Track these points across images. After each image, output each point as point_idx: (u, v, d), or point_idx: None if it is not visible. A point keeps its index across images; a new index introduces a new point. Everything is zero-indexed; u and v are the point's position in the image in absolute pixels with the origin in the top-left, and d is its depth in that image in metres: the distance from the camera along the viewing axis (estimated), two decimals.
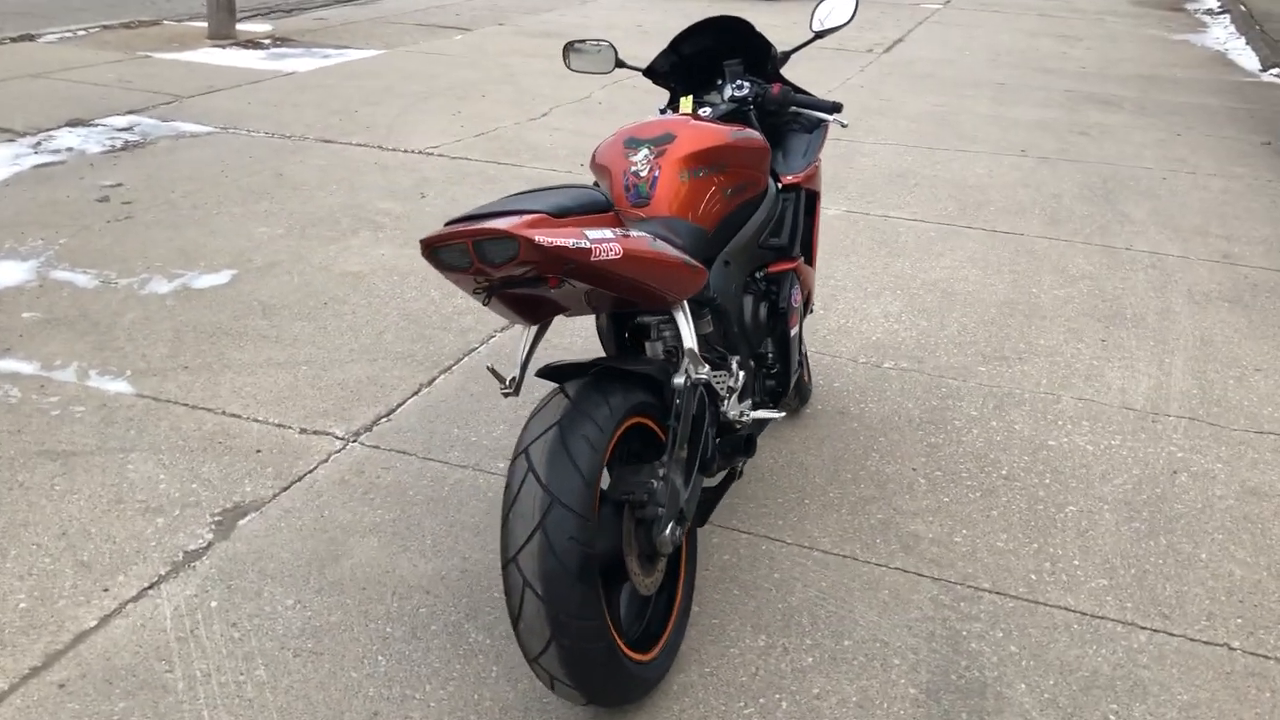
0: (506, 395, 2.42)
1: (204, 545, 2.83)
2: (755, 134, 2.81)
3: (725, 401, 2.61)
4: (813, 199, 3.16)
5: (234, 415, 3.46)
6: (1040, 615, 2.70)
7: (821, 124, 3.26)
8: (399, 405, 3.57)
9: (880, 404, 3.70)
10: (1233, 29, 11.99)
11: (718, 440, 2.58)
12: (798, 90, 3.14)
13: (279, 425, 3.42)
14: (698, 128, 2.67)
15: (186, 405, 3.51)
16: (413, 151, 6.42)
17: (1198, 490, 3.25)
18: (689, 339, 2.33)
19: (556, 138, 6.85)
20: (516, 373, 2.40)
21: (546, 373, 2.30)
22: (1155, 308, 4.57)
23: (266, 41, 9.53)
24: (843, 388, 3.80)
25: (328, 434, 3.38)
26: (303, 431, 3.39)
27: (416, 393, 3.65)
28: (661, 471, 2.27)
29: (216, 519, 2.95)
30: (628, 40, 9.77)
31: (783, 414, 2.90)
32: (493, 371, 2.43)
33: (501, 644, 2.52)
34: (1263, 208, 5.98)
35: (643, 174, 2.56)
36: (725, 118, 2.97)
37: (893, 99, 8.14)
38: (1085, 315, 4.47)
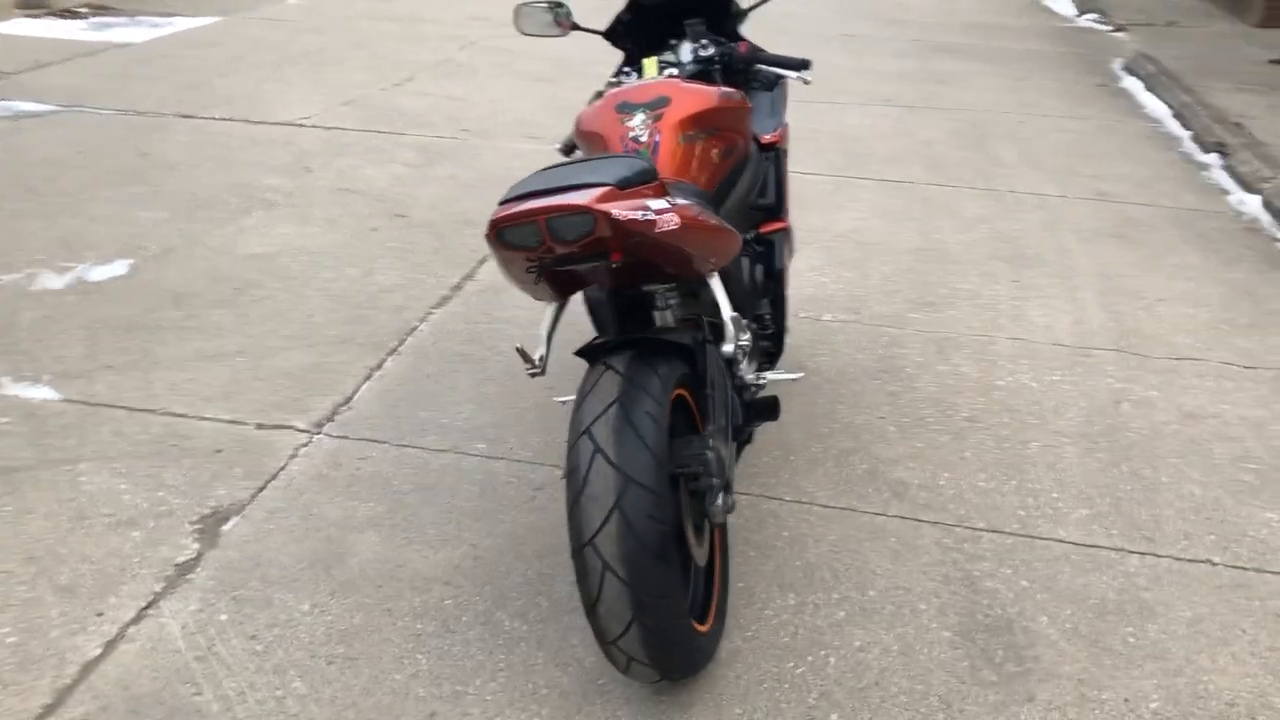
0: (533, 375, 2.35)
1: (193, 556, 2.65)
2: (738, 94, 2.79)
3: (738, 366, 2.60)
4: (784, 157, 3.16)
5: (180, 415, 3.24)
6: (1039, 549, 2.82)
7: (780, 81, 3.26)
8: (355, 392, 3.41)
9: (832, 357, 3.76)
10: None
11: (743, 405, 2.57)
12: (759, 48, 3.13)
13: (233, 422, 3.22)
14: (690, 90, 2.63)
15: (125, 408, 3.26)
16: (282, 124, 6.10)
17: (1142, 418, 3.45)
18: (727, 307, 2.31)
19: (428, 103, 6.63)
20: (544, 350, 2.33)
21: (584, 352, 2.24)
22: (1052, 247, 4.79)
23: (84, 10, 8.85)
24: (792, 342, 3.82)
25: (289, 427, 3.20)
26: (260, 427, 3.20)
27: (369, 377, 3.50)
28: (711, 442, 2.25)
29: (197, 527, 2.76)
30: (489, 4, 9.53)
31: (801, 375, 2.91)
32: (520, 352, 2.35)
33: (540, 630, 2.46)
34: (1117, 146, 6.34)
35: (643, 139, 2.52)
36: (691, 79, 2.93)
37: None
38: (992, 258, 4.64)
